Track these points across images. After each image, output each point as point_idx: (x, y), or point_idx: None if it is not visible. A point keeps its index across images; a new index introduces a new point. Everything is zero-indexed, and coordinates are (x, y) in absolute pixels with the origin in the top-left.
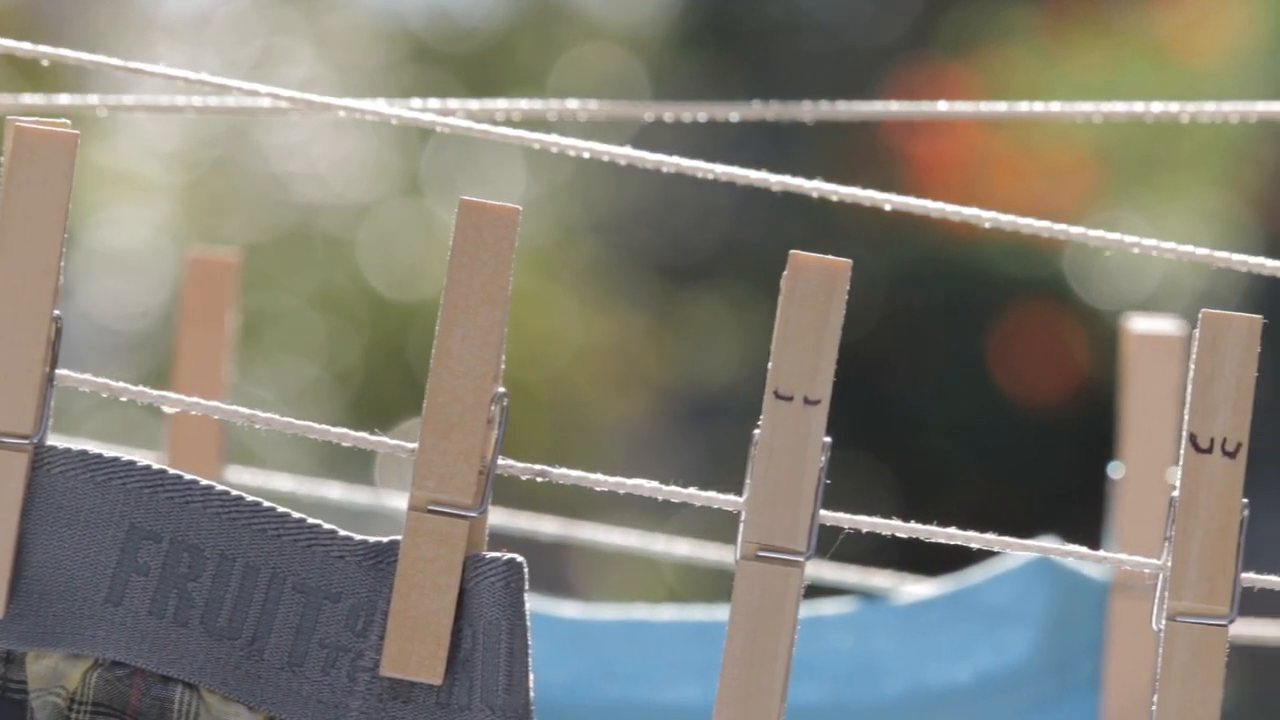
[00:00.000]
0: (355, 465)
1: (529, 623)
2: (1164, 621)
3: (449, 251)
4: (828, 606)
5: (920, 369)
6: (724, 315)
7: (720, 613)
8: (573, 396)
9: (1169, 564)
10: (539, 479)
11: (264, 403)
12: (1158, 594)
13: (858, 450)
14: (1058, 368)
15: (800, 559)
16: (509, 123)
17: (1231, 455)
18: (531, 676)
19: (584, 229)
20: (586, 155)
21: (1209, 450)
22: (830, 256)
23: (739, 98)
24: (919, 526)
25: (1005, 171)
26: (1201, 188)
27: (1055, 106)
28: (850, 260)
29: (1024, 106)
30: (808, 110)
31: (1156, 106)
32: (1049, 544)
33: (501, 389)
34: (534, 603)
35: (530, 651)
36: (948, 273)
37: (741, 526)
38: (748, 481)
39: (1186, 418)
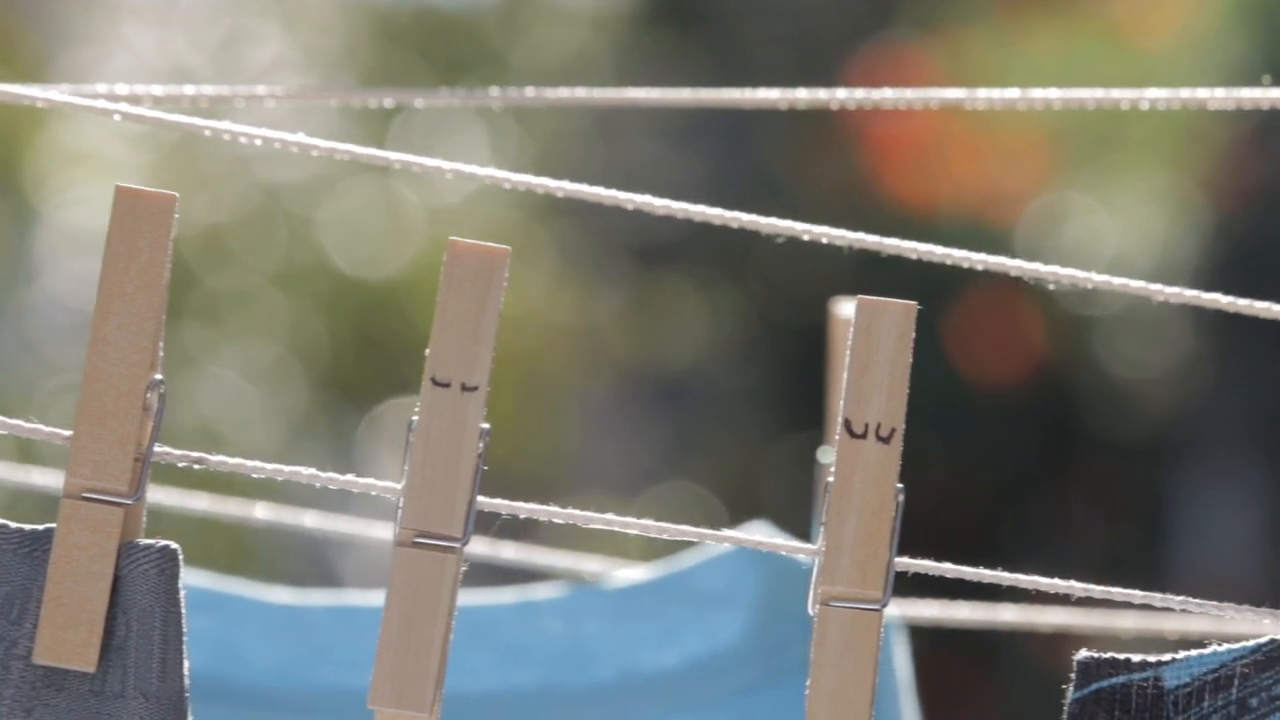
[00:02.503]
0: (330, 442)
1: (184, 609)
2: (817, 606)
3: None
4: (539, 591)
5: None
6: (690, 296)
7: None
8: (538, 376)
9: (823, 549)
10: (196, 466)
11: (229, 383)
12: (812, 578)
13: (822, 431)
14: (1014, 349)
15: (456, 545)
16: (466, 109)
17: (886, 440)
18: (187, 664)
19: (548, 209)
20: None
21: (863, 436)
22: (489, 244)
23: (703, 77)
24: (577, 513)
25: (961, 152)
26: (1153, 169)
27: (1014, 92)
28: (509, 248)
29: (985, 93)
30: (764, 98)
31: (1117, 93)
32: (753, 534)
33: (159, 376)
34: (244, 588)
35: (185, 638)
36: (906, 254)
37: (398, 513)
38: (405, 468)
39: (842, 404)
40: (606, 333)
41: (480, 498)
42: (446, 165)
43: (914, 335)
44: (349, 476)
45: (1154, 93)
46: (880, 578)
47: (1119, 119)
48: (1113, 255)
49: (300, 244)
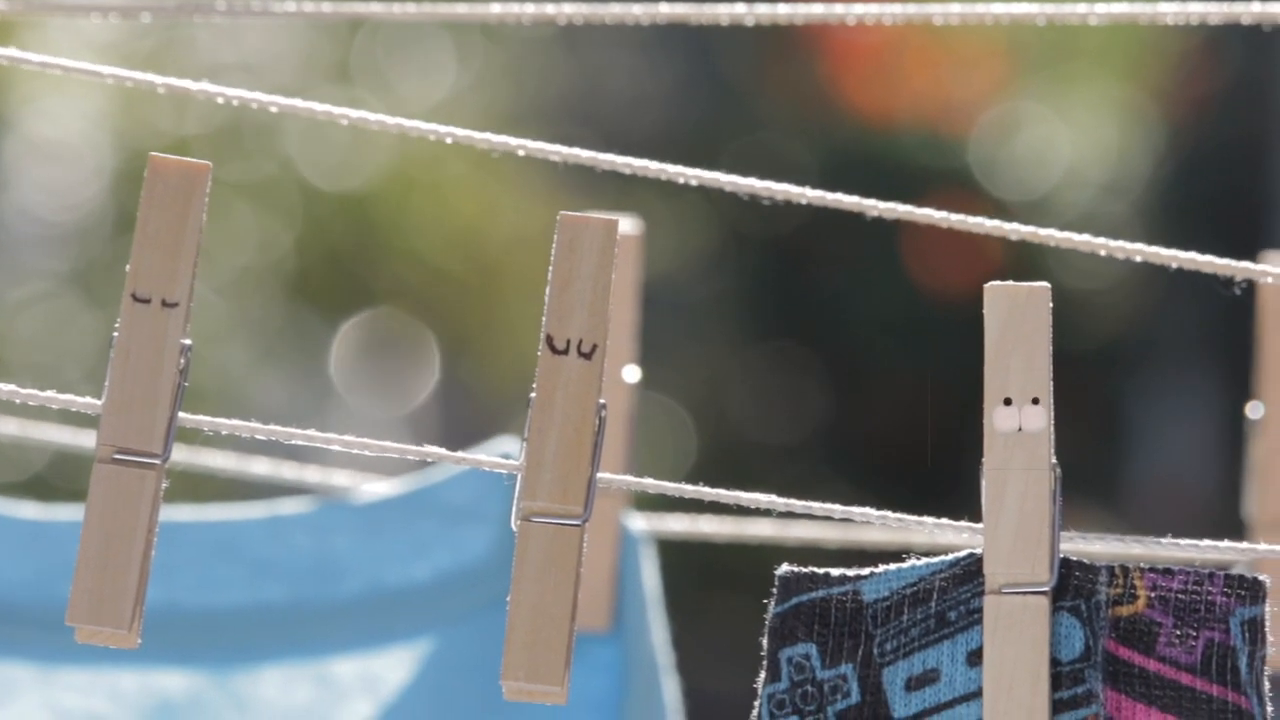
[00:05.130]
0: (301, 357)
1: None
2: (519, 521)
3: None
4: (288, 506)
5: (844, 262)
6: (657, 205)
7: (177, 513)
8: (503, 286)
9: (524, 465)
10: None
11: (197, 295)
12: (515, 494)
13: (789, 341)
14: (970, 261)
15: (156, 461)
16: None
17: (587, 356)
18: None
19: (515, 119)
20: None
21: (565, 352)
22: (191, 159)
23: None
24: (282, 430)
25: (919, 61)
26: (1107, 78)
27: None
28: (210, 164)
29: (939, 7)
30: (729, 13)
31: (1068, 6)
32: (497, 451)
33: None
34: None
35: None
36: (865, 163)
37: (99, 429)
38: (106, 385)
39: (544, 319)
40: None
41: (182, 414)
42: (420, 126)
43: (614, 251)
44: (49, 393)
45: (1105, 7)
46: (581, 493)
47: (1073, 29)
48: (1066, 164)
49: (267, 155)
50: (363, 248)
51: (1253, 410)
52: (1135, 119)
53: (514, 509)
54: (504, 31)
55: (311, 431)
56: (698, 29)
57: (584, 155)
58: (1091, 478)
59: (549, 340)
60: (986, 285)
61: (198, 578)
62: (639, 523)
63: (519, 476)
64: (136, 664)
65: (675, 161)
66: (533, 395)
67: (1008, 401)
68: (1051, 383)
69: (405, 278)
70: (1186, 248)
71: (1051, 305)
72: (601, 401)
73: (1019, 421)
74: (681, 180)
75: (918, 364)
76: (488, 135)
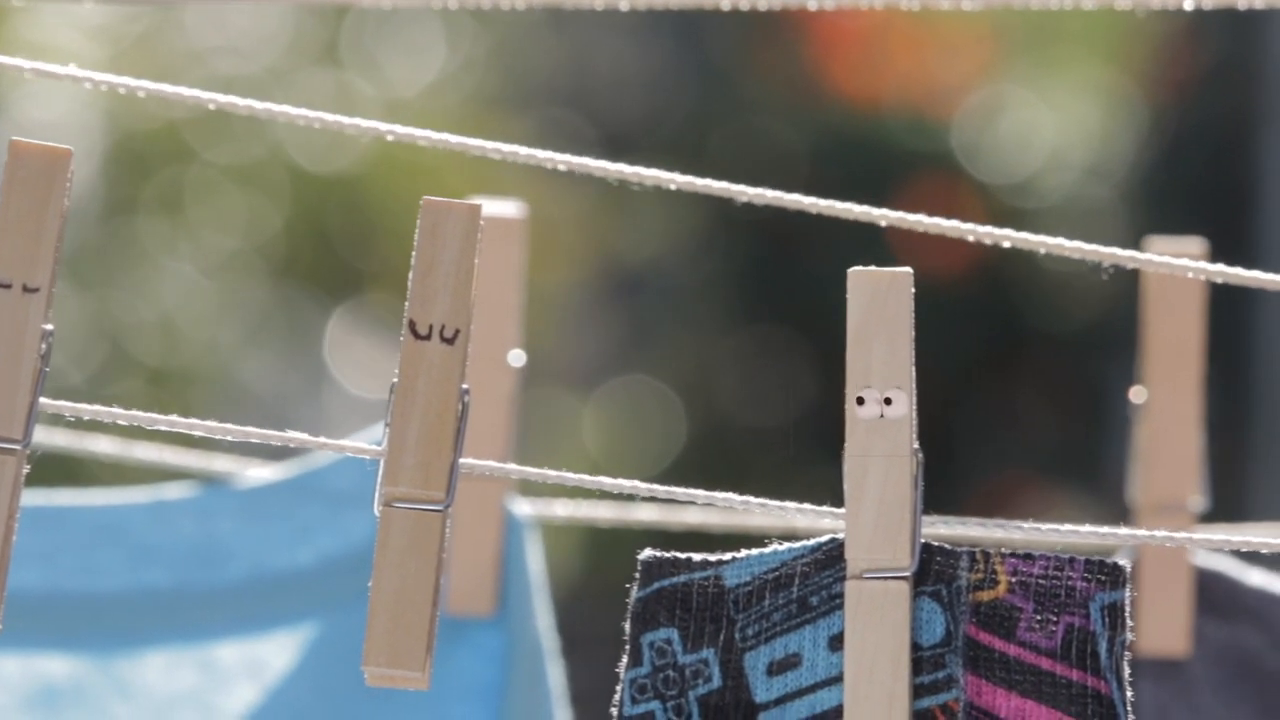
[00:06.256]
0: (292, 340)
1: None
2: (381, 507)
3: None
4: (171, 490)
5: (831, 245)
6: (647, 190)
7: (59, 497)
8: None
9: (386, 450)
10: None
11: (186, 277)
12: (378, 479)
13: (777, 324)
14: (954, 242)
15: (17, 447)
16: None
17: (450, 342)
18: None
19: (504, 102)
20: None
21: (428, 337)
22: (52, 144)
23: None
24: (142, 415)
25: (904, 45)
26: (1090, 62)
27: None
28: (72, 149)
29: None
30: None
31: None
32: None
33: None
34: None
35: None
36: (851, 146)
37: None
38: None
39: (407, 305)
40: (563, 227)
41: (43, 399)
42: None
43: (478, 236)
44: None
45: None
46: (443, 479)
47: (1056, 12)
48: (1050, 147)
49: (256, 137)
50: (353, 230)
51: (1136, 395)
52: (1118, 102)
53: (376, 495)
54: (492, 14)
55: (174, 417)
56: (685, 12)
57: (559, 158)
58: (1076, 460)
59: (411, 326)
60: (849, 270)
61: (80, 562)
62: (523, 507)
63: (380, 462)
64: (18, 649)
65: (664, 145)
66: (394, 381)
67: (860, 402)
68: (913, 369)
69: (396, 260)
70: (1169, 230)
71: (1037, 286)
72: (465, 387)
73: (880, 408)
74: (665, 173)
75: None
76: (445, 135)
